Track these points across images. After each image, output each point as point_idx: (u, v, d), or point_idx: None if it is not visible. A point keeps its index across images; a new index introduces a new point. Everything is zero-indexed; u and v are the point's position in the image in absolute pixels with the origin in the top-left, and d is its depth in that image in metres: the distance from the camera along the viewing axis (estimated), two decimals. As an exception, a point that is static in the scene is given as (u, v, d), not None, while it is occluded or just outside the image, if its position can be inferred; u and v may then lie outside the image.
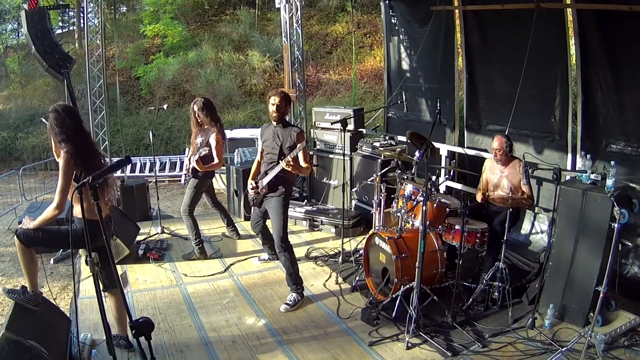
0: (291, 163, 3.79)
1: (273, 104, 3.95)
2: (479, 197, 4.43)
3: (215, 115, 4.90)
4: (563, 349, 3.22)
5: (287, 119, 4.16)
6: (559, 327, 3.60)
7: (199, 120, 4.85)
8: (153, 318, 2.61)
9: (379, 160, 5.63)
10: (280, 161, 3.89)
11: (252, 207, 4.27)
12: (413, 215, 4.28)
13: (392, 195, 4.71)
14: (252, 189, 4.13)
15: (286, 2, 7.32)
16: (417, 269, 3.52)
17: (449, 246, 4.25)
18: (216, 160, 4.77)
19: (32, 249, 3.05)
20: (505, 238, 3.87)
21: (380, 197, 4.82)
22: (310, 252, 5.20)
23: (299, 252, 4.92)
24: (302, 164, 3.95)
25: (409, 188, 4.30)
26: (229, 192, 6.70)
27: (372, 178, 5.08)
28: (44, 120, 3.07)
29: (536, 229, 5.29)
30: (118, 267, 4.53)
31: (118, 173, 7.83)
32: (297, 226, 6.03)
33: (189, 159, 4.98)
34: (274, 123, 4.04)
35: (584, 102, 4.67)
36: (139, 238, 5.37)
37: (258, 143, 4.26)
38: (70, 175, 2.85)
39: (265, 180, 4.02)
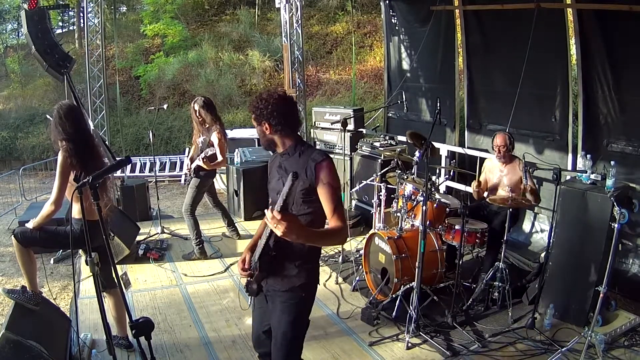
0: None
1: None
2: (474, 189, 4.39)
3: (216, 114, 4.90)
4: (563, 349, 3.22)
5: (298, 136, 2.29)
6: (559, 327, 3.60)
7: (200, 120, 4.86)
8: (153, 318, 2.60)
9: (379, 160, 5.63)
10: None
11: (251, 299, 2.43)
12: (413, 215, 4.28)
13: (392, 195, 4.71)
14: (242, 268, 2.30)
15: (286, 2, 7.32)
16: (417, 269, 3.52)
17: (448, 246, 4.25)
18: (220, 158, 4.78)
19: (30, 248, 3.06)
20: (505, 238, 3.87)
21: (380, 197, 4.82)
22: (310, 252, 5.19)
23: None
24: (333, 220, 2.10)
25: (409, 188, 4.30)
26: (229, 192, 6.70)
27: (372, 178, 5.08)
28: (48, 117, 3.07)
29: (536, 229, 5.29)
30: (118, 267, 4.52)
31: (118, 173, 7.83)
32: (297, 226, 6.02)
33: (191, 159, 4.98)
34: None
35: (585, 102, 4.67)
36: (139, 238, 5.37)
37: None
38: (66, 174, 2.86)
39: (257, 253, 2.21)
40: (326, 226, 2.16)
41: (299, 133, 2.29)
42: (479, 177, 4.49)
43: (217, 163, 4.80)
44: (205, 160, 4.73)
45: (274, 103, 2.16)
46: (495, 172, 4.34)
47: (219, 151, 4.76)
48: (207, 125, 4.86)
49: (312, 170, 2.10)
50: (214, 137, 4.76)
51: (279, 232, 1.83)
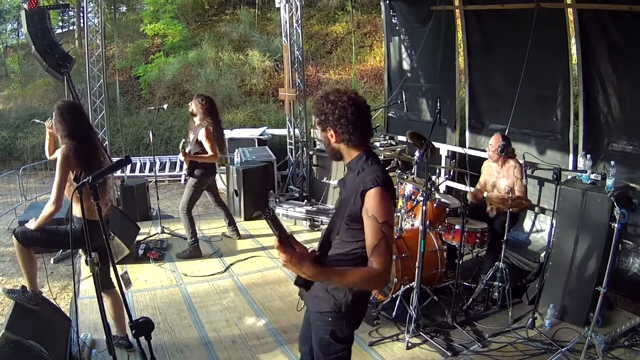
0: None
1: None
2: (469, 196, 4.43)
3: (212, 113, 4.85)
4: (563, 349, 3.22)
5: (365, 150, 1.94)
6: (559, 327, 3.60)
7: (190, 111, 4.87)
8: (153, 318, 2.60)
9: (379, 160, 5.62)
10: (334, 239, 1.96)
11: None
12: (413, 215, 4.27)
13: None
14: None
15: (286, 2, 7.30)
16: (417, 269, 3.52)
17: (448, 246, 4.25)
18: (209, 152, 4.72)
19: (31, 248, 3.06)
20: (505, 238, 3.87)
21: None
22: (310, 252, 5.19)
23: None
24: (370, 259, 1.79)
25: (409, 188, 4.30)
26: (229, 192, 6.70)
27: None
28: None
29: (536, 228, 5.29)
30: (118, 267, 4.52)
31: (118, 173, 7.82)
32: (297, 226, 6.02)
33: None
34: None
35: (585, 102, 4.67)
36: (139, 238, 5.36)
37: None
38: (66, 171, 2.85)
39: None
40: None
41: (370, 143, 1.99)
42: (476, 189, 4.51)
43: (201, 157, 4.75)
44: (186, 154, 4.71)
45: (342, 107, 1.84)
46: (493, 173, 4.35)
47: (207, 147, 4.71)
48: (197, 122, 4.85)
49: (359, 197, 1.81)
50: (201, 134, 4.72)
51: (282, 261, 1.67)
